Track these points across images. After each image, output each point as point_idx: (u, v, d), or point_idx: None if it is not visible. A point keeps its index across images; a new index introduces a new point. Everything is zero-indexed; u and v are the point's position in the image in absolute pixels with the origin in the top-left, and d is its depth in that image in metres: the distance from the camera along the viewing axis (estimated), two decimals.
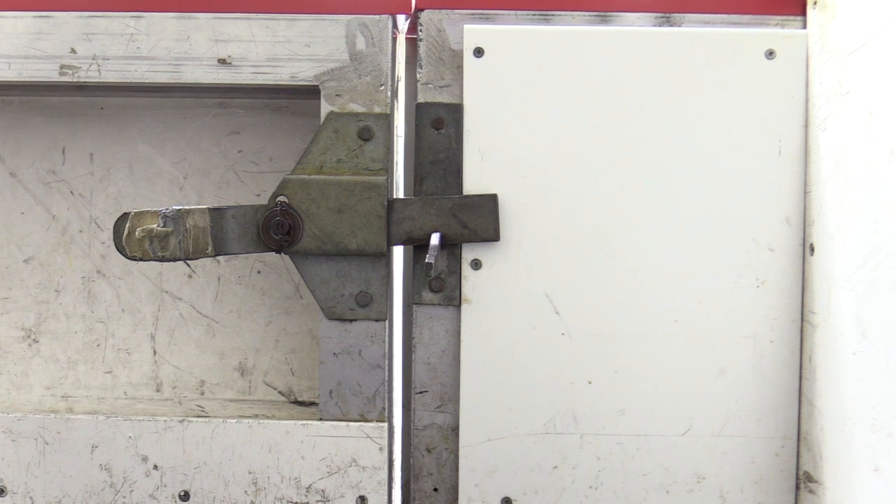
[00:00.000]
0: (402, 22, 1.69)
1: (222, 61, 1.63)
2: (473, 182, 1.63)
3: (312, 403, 1.85)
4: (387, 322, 1.65)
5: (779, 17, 1.64)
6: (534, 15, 1.64)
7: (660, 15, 1.64)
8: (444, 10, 1.64)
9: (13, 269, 1.88)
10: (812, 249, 1.59)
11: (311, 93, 1.66)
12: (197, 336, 1.88)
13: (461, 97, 1.64)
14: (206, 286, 1.87)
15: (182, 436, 1.64)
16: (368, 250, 1.61)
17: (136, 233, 1.60)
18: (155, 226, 1.60)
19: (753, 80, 1.60)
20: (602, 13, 1.64)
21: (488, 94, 1.62)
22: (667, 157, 1.62)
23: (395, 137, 1.68)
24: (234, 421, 1.65)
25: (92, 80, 1.65)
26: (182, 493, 1.65)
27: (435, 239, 1.59)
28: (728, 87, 1.61)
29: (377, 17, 1.63)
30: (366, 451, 1.63)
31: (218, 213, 1.61)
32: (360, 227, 1.61)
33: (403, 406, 1.77)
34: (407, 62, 1.75)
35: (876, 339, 1.37)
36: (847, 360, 1.46)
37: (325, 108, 1.63)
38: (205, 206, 1.62)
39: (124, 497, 1.65)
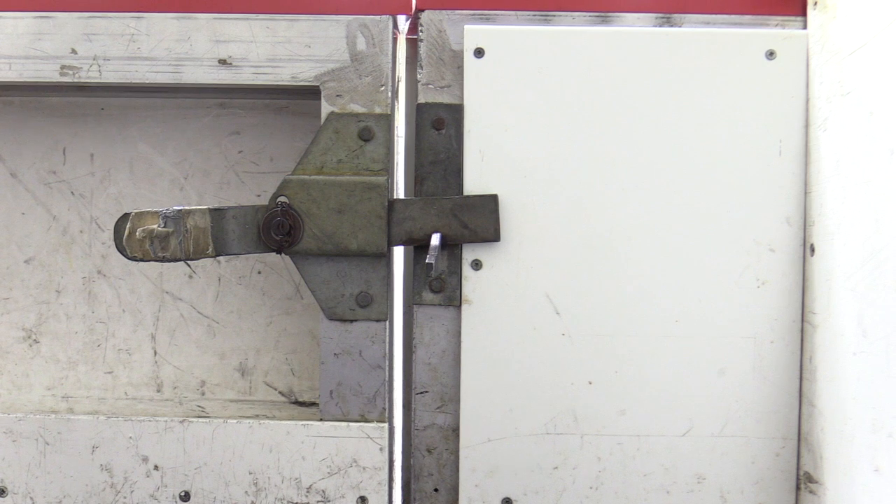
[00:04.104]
0: (403, 22, 1.70)
1: (223, 62, 1.63)
2: (474, 182, 1.63)
3: (313, 404, 1.85)
4: (387, 322, 1.65)
5: (779, 18, 1.64)
6: (534, 15, 1.64)
7: (660, 15, 1.64)
8: (444, 11, 1.65)
9: (14, 269, 1.88)
10: (812, 250, 1.59)
11: (311, 93, 1.66)
12: (197, 336, 1.88)
13: (462, 97, 1.64)
14: (206, 286, 1.87)
15: (182, 436, 1.64)
16: (369, 251, 1.61)
17: (137, 233, 1.60)
18: (155, 226, 1.60)
19: (754, 81, 1.60)
20: (602, 13, 1.64)
21: (489, 94, 1.62)
22: (667, 158, 1.62)
23: (395, 138, 1.68)
24: (235, 421, 1.65)
25: (92, 81, 1.65)
26: (182, 494, 1.65)
27: (435, 239, 1.59)
28: (728, 88, 1.61)
29: (378, 17, 1.63)
30: (366, 451, 1.63)
31: (218, 214, 1.61)
32: (361, 227, 1.61)
33: (404, 406, 1.77)
34: (407, 63, 1.75)
35: (876, 340, 1.37)
36: (847, 360, 1.46)
37: (326, 108, 1.63)
38: (205, 207, 1.62)
39: (125, 497, 1.66)
